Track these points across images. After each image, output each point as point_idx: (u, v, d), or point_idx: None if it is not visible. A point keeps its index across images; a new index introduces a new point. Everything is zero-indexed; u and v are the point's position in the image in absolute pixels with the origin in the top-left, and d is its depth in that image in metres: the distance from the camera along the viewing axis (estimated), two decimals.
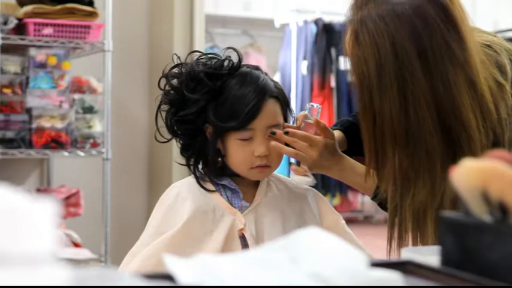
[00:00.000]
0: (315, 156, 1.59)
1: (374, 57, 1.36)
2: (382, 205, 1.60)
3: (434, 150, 1.37)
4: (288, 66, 6.13)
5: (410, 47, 1.34)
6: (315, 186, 1.75)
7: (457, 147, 1.37)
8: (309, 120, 1.63)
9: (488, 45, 1.47)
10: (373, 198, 1.62)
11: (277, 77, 5.64)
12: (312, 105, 1.65)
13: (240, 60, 1.64)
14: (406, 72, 1.34)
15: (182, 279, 0.73)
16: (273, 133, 1.59)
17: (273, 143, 1.58)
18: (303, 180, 1.65)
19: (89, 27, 3.43)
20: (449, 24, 1.35)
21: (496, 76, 1.42)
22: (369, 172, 1.48)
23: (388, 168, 1.42)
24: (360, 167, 1.61)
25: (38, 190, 3.60)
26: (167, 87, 1.63)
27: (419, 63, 1.34)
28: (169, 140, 1.66)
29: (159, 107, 1.64)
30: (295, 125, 1.65)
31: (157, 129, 1.65)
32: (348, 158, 1.64)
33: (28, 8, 3.33)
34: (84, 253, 3.36)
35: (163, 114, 1.64)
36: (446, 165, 1.35)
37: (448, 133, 1.37)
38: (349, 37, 1.42)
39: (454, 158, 1.35)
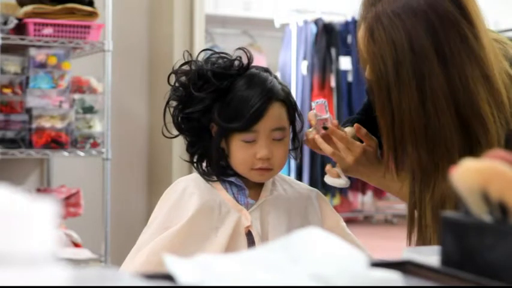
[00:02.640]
0: (350, 159, 1.60)
1: (391, 54, 1.36)
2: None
3: (453, 143, 1.38)
4: (288, 66, 6.13)
5: (427, 43, 1.34)
6: (316, 187, 1.75)
7: (474, 140, 1.38)
8: (321, 117, 1.62)
9: (496, 40, 1.48)
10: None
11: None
12: (317, 102, 1.64)
13: (249, 61, 1.64)
14: (424, 67, 1.35)
15: (182, 279, 0.73)
16: (326, 128, 1.60)
17: (317, 136, 1.61)
18: (334, 182, 1.65)
19: (89, 27, 3.43)
20: (465, 19, 1.35)
21: (507, 69, 1.43)
22: (388, 169, 1.50)
23: (408, 164, 1.43)
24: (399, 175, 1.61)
25: (38, 190, 3.60)
26: (176, 84, 1.63)
27: (437, 59, 1.35)
28: (175, 136, 1.66)
29: (167, 102, 1.64)
30: (309, 130, 1.65)
31: (165, 124, 1.65)
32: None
33: (28, 8, 3.33)
34: (84, 253, 3.36)
35: (170, 110, 1.65)
36: (464, 157, 1.36)
37: (466, 127, 1.38)
38: (363, 34, 1.41)
39: (471, 150, 1.37)
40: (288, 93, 1.64)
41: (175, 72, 1.64)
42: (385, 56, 1.37)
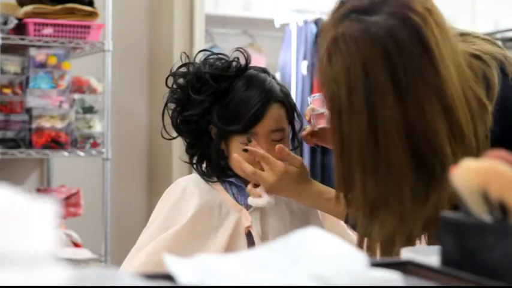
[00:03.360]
0: (271, 179, 1.55)
1: (345, 79, 1.28)
2: (355, 228, 1.52)
3: (404, 177, 1.29)
4: (288, 66, 6.12)
5: (382, 71, 1.26)
6: None
7: (430, 174, 1.29)
8: (318, 112, 1.59)
9: (478, 56, 1.40)
10: (345, 222, 1.57)
11: (277, 77, 5.66)
12: (314, 97, 1.62)
13: (247, 62, 1.63)
14: (377, 97, 1.26)
15: (182, 279, 0.73)
16: (245, 150, 1.57)
17: (235, 155, 1.57)
18: (254, 202, 1.59)
19: (89, 27, 3.43)
20: (423, 49, 1.26)
21: (480, 95, 1.34)
22: (338, 197, 1.40)
23: (356, 195, 1.35)
24: (328, 193, 1.57)
25: (38, 190, 3.60)
26: (174, 86, 1.63)
27: (391, 88, 1.26)
28: (174, 138, 1.66)
29: (165, 104, 1.64)
30: (308, 126, 1.64)
31: (164, 126, 1.65)
32: (316, 183, 1.59)
33: (28, 8, 3.33)
34: (84, 253, 3.36)
35: (169, 112, 1.65)
36: (417, 193, 1.30)
37: (420, 160, 1.29)
38: (323, 55, 1.34)
39: (427, 185, 1.29)
40: (286, 94, 1.63)
41: (173, 74, 1.64)
42: (339, 80, 1.29)
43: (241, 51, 1.66)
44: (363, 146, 1.29)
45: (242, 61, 1.63)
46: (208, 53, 1.67)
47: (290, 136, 1.66)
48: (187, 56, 1.65)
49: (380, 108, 1.27)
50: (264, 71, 1.65)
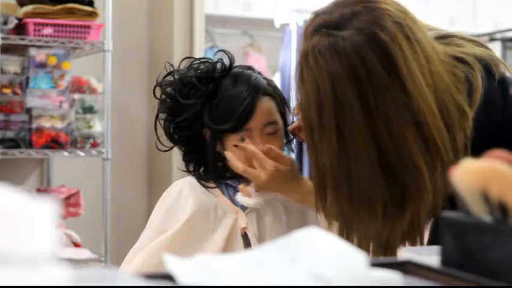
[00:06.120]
0: (263, 177, 1.53)
1: (315, 96, 1.28)
2: None
3: (375, 192, 1.29)
4: (288, 66, 6.12)
5: (349, 87, 1.25)
6: None
7: (404, 187, 1.29)
8: None
9: (462, 59, 1.38)
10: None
11: (277, 77, 5.64)
12: None
13: (231, 61, 1.64)
14: (345, 113, 1.26)
15: (182, 279, 0.73)
16: (236, 145, 1.56)
17: (226, 152, 1.57)
18: (244, 201, 1.59)
19: (89, 27, 3.43)
20: (390, 67, 1.24)
21: (460, 101, 1.33)
22: (317, 207, 1.41)
23: (330, 208, 1.36)
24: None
25: (38, 190, 3.60)
26: (163, 96, 1.63)
27: (359, 106, 1.25)
28: (170, 149, 1.66)
29: (157, 116, 1.64)
30: (295, 119, 1.64)
31: (158, 138, 1.65)
32: (307, 181, 1.58)
33: (28, 8, 3.33)
34: (84, 253, 3.36)
35: (161, 123, 1.65)
36: (392, 206, 1.30)
37: (392, 175, 1.28)
38: (297, 70, 1.35)
39: (402, 199, 1.29)
40: (274, 87, 1.64)
41: (159, 84, 1.64)
42: (310, 97, 1.30)
43: (224, 52, 1.67)
44: (334, 161, 1.30)
45: (226, 62, 1.65)
46: (191, 59, 1.67)
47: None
48: (171, 65, 1.66)
49: (348, 125, 1.27)
50: (249, 68, 1.66)
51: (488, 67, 1.39)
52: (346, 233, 1.37)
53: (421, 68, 1.27)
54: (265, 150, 1.54)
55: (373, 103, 1.25)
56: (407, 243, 1.35)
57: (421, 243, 1.34)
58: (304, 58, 1.30)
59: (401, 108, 1.26)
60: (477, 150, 1.17)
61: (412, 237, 1.33)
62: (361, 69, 1.25)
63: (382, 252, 1.33)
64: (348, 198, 1.31)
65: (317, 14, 1.33)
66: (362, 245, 1.35)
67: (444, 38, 1.43)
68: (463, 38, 1.45)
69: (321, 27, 1.29)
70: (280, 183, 1.55)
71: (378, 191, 1.29)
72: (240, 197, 1.60)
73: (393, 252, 1.33)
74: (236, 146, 1.56)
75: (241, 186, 1.60)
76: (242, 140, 1.57)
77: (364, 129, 1.26)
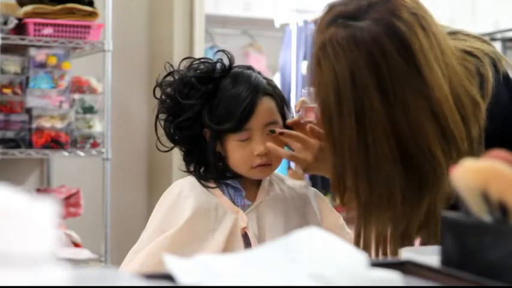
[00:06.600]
0: (309, 158, 1.56)
1: (334, 85, 1.30)
2: None
3: (394, 180, 1.31)
4: (288, 66, 6.12)
5: (368, 76, 1.28)
6: (316, 186, 1.75)
7: (421, 175, 1.32)
8: (309, 104, 1.59)
9: (471, 52, 1.41)
10: None
11: (277, 77, 5.65)
12: (309, 89, 1.63)
13: (230, 61, 1.64)
14: (364, 101, 1.28)
15: (182, 279, 0.73)
16: (272, 131, 1.58)
17: (269, 144, 1.57)
18: (297, 184, 1.65)
19: (89, 27, 3.43)
20: (408, 56, 1.27)
21: (472, 94, 1.36)
22: (335, 197, 1.43)
23: (349, 196, 1.38)
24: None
25: (38, 190, 3.60)
26: (162, 96, 1.63)
27: (378, 92, 1.28)
28: (171, 149, 1.66)
29: (157, 116, 1.64)
30: (295, 115, 1.64)
31: (158, 138, 1.65)
32: None
33: (28, 8, 3.33)
34: (84, 253, 3.36)
35: (161, 123, 1.65)
36: (410, 194, 1.32)
37: (410, 163, 1.31)
38: (313, 61, 1.37)
39: (420, 187, 1.32)
40: (274, 87, 1.64)
41: (159, 85, 1.64)
42: (328, 86, 1.31)
43: (224, 52, 1.67)
44: (353, 149, 1.32)
45: (226, 62, 1.64)
46: (191, 60, 1.67)
47: None
48: (171, 65, 1.66)
49: (368, 112, 1.29)
50: (249, 67, 1.66)
51: (494, 63, 1.42)
52: (364, 222, 1.39)
53: (436, 60, 1.30)
54: (309, 128, 1.56)
55: (392, 91, 1.28)
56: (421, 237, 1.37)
57: (437, 233, 1.35)
58: (322, 49, 1.32)
59: (419, 97, 1.28)
60: (491, 140, 1.19)
61: (429, 227, 1.34)
62: (380, 58, 1.27)
63: (399, 241, 1.35)
64: (367, 186, 1.33)
65: (332, 6, 1.36)
66: (380, 235, 1.37)
67: (450, 34, 1.45)
68: (467, 35, 1.48)
69: (337, 18, 1.32)
70: (325, 160, 1.55)
71: (396, 179, 1.31)
72: (291, 181, 1.68)
73: (410, 242, 1.35)
74: (273, 131, 1.57)
75: (290, 172, 1.64)
76: (272, 132, 1.57)
77: (383, 117, 1.29)
